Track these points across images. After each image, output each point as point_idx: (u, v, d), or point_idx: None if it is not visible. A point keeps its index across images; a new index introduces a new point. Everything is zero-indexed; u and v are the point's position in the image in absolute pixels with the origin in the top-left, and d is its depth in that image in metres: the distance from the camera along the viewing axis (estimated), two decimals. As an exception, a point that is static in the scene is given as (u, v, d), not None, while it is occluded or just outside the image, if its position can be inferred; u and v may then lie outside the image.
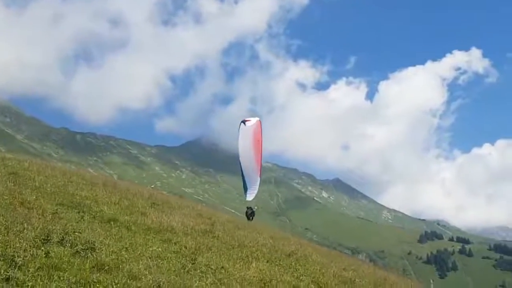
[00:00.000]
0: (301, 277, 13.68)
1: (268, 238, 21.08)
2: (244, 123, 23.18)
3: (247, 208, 26.26)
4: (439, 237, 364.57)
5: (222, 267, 11.90)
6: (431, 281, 33.86)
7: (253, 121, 22.98)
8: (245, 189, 23.19)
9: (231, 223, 23.08)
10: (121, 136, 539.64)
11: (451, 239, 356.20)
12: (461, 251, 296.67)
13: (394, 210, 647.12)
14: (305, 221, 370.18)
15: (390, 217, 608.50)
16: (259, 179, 23.08)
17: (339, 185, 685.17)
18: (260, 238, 19.75)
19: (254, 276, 11.77)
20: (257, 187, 22.89)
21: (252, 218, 27.18)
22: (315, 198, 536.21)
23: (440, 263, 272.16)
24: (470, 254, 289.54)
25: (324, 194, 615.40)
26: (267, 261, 14.80)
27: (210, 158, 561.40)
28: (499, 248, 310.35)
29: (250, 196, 23.11)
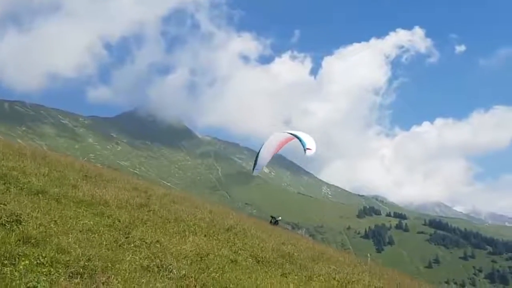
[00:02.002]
0: (239, 251, 13.86)
1: (206, 212, 21.13)
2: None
3: (271, 217, 27.75)
4: (377, 212, 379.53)
5: (157, 241, 11.84)
6: (368, 255, 35.17)
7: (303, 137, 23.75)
8: (255, 165, 24.17)
9: (168, 197, 22.91)
10: (51, 105, 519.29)
11: (388, 215, 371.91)
12: (398, 226, 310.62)
13: (334, 186, 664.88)
14: (245, 196, 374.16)
15: (330, 193, 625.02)
16: (268, 160, 24.39)
17: (280, 161, 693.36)
18: (198, 213, 19.75)
19: (190, 250, 11.80)
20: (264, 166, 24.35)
21: (275, 223, 28.69)
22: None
23: (378, 237, 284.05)
24: (406, 229, 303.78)
25: (265, 170, 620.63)
26: (205, 236, 14.86)
27: (147, 130, 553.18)
28: (434, 223, 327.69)
29: (256, 172, 24.12)
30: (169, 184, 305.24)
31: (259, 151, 24.92)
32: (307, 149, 22.49)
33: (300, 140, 23.10)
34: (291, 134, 24.39)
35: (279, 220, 29.11)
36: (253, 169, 24.98)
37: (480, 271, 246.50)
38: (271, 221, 28.71)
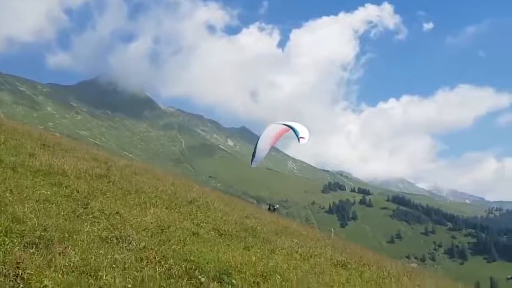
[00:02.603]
0: (201, 224, 13.90)
1: (168, 184, 21.07)
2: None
3: (269, 204, 28.00)
4: (342, 188, 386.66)
5: (117, 213, 11.76)
6: (332, 229, 36.01)
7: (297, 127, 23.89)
8: (253, 158, 24.32)
9: (129, 168, 22.71)
10: (8, 71, 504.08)
11: (353, 190, 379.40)
12: (362, 202, 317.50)
13: (300, 161, 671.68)
14: (209, 169, 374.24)
15: (295, 168, 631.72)
16: (267, 151, 24.63)
17: (245, 134, 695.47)
18: (160, 185, 19.69)
19: (151, 223, 11.77)
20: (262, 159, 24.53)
21: (274, 210, 28.85)
22: (220, 146, 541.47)
23: (342, 213, 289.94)
24: (369, 205, 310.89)
25: (230, 143, 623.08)
26: (166, 208, 14.84)
27: (108, 99, 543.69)
28: (397, 199, 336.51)
29: (254, 164, 25.07)
30: (130, 155, 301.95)
31: (257, 143, 25.50)
32: (301, 137, 23.03)
33: (294, 130, 23.64)
34: (286, 125, 24.85)
35: (277, 208, 29.73)
36: (252, 161, 25.39)
37: (440, 246, 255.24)
38: (269, 208, 29.24)
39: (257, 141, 25.60)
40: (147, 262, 8.58)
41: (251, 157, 26.61)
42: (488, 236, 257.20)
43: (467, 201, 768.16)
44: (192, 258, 9.37)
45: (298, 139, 23.27)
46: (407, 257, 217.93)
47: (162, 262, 8.73)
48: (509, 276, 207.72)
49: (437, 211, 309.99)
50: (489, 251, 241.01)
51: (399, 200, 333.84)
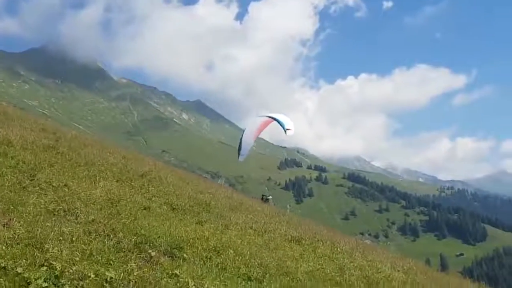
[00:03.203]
0: (153, 198, 13.82)
1: (120, 157, 20.78)
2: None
3: (262, 195, 28.06)
4: (298, 164, 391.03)
5: (65, 185, 11.55)
6: (288, 206, 36.48)
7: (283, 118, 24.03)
8: (239, 152, 24.29)
9: (78, 139, 22.24)
10: None
11: (309, 167, 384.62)
12: (318, 179, 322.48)
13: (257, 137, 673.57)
14: (162, 143, 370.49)
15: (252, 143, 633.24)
16: (252, 144, 24.83)
17: (200, 107, 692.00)
18: (111, 158, 19.39)
19: (100, 196, 11.62)
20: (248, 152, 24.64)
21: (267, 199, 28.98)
22: (174, 119, 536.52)
23: (298, 189, 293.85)
24: (325, 182, 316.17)
25: (185, 116, 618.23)
26: (117, 181, 14.66)
27: (57, 68, 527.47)
28: (352, 177, 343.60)
29: (241, 158, 25.20)
30: (80, 127, 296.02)
31: (242, 136, 25.63)
32: (287, 129, 23.50)
33: (279, 122, 24.06)
34: (270, 117, 25.10)
35: (270, 198, 29.94)
36: (238, 155, 25.62)
37: (393, 223, 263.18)
38: (262, 198, 29.46)
39: (242, 135, 25.90)
40: (95, 236, 8.49)
41: (237, 151, 26.88)
42: (440, 214, 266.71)
43: (420, 179, 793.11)
44: (142, 232, 9.33)
45: (285, 131, 23.72)
46: (361, 233, 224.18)
47: (111, 236, 8.66)
48: (458, 253, 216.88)
49: (391, 189, 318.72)
50: (440, 229, 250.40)
51: (354, 177, 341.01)
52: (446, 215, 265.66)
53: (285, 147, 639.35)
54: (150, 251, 8.34)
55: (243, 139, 25.62)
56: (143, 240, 8.95)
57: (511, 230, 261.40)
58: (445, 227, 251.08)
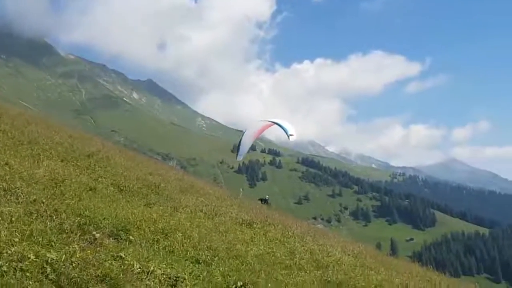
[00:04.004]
0: (99, 179, 13.61)
1: (66, 136, 20.34)
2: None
3: (260, 199, 28.13)
4: (252, 148, 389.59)
5: (6, 164, 11.21)
6: (241, 189, 36.59)
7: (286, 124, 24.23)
8: (238, 151, 24.32)
9: (22, 117, 21.62)
10: None
11: (263, 151, 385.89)
12: (272, 163, 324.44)
13: (210, 118, 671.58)
14: (112, 122, 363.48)
15: (204, 125, 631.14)
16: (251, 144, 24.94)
17: (152, 87, 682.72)
18: (56, 136, 18.95)
19: (44, 175, 11.34)
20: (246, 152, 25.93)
21: (266, 202, 29.69)
22: (124, 98, 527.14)
23: (251, 173, 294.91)
24: (279, 166, 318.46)
25: (135, 96, 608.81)
26: (62, 161, 14.35)
27: (2, 43, 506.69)
28: (306, 161, 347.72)
29: (240, 157, 25.91)
30: (25, 104, 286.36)
31: (241, 138, 25.97)
32: (290, 135, 23.94)
33: (282, 127, 24.52)
34: (272, 122, 25.48)
35: (268, 199, 30.25)
36: (236, 155, 25.97)
37: (345, 208, 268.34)
38: (261, 201, 29.54)
39: (242, 136, 26.39)
40: (36, 216, 8.31)
41: (236, 150, 27.41)
42: (391, 199, 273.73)
43: (373, 165, 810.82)
44: (87, 213, 9.18)
45: (288, 136, 24.29)
46: (314, 218, 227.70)
47: (54, 217, 8.48)
48: (408, 238, 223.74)
49: (345, 174, 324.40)
50: (391, 214, 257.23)
51: (308, 162, 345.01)
52: (397, 201, 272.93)
53: (239, 130, 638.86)
54: (94, 232, 8.22)
55: (242, 140, 26.22)
56: (87, 221, 8.81)
57: (459, 216, 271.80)
58: (396, 213, 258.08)
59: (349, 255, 15.53)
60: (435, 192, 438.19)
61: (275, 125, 25.50)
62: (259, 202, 30.41)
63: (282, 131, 24.88)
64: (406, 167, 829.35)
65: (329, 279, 11.19)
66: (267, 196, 31.79)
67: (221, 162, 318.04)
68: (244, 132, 27.42)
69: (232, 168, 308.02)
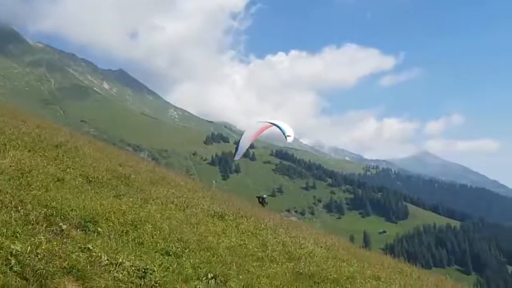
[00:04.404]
0: (67, 170, 13.41)
1: (33, 126, 20.02)
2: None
3: (257, 197, 28.29)
4: (225, 139, 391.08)
5: (-31, 154, 10.98)
6: (214, 181, 36.59)
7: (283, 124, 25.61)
8: (236, 151, 25.94)
9: (-14, 106, 21.19)
10: None
11: (236, 143, 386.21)
12: (245, 155, 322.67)
13: (182, 109, 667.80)
14: (81, 112, 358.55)
15: (177, 116, 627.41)
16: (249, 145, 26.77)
17: (123, 77, 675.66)
18: (23, 126, 18.65)
19: (10, 166, 11.13)
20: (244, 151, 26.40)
21: (266, 204, 30.02)
22: (95, 88, 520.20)
23: (224, 165, 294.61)
24: (253, 158, 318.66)
25: (106, 85, 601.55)
26: (29, 151, 14.11)
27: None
28: (280, 154, 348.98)
29: (238, 157, 26.37)
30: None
31: (240, 139, 26.48)
32: (288, 136, 24.42)
33: (280, 128, 25.12)
34: (270, 123, 26.00)
35: (265, 198, 30.26)
36: (234, 154, 26.54)
37: (319, 201, 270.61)
38: (258, 200, 29.60)
39: (241, 137, 26.85)
40: (1, 207, 8.16)
41: (234, 150, 27.97)
42: (364, 192, 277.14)
43: (347, 158, 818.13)
44: (54, 204, 9.05)
45: (286, 137, 24.80)
46: (288, 210, 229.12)
47: (19, 208, 8.34)
48: (381, 230, 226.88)
49: (319, 167, 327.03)
50: (364, 207, 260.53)
51: (282, 154, 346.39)
52: (370, 194, 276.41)
53: (212, 122, 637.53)
54: (61, 224, 8.12)
55: (241, 141, 26.77)
56: (54, 212, 8.69)
57: (431, 209, 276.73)
58: (369, 205, 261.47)
59: (321, 247, 15.66)
60: (407, 185, 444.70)
61: (273, 126, 26.02)
62: (257, 199, 30.60)
63: (275, 130, 25.43)
64: (379, 160, 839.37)
65: (301, 271, 11.27)
66: (265, 195, 31.81)
67: (193, 154, 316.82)
68: (243, 133, 28.02)
69: (205, 160, 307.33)
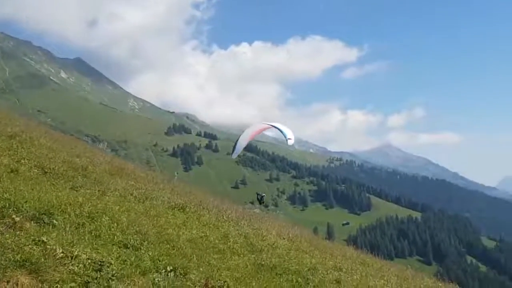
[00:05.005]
0: (22, 161, 13.14)
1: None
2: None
3: (257, 194, 29.06)
4: (187, 131, 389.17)
5: None
6: (176, 173, 36.36)
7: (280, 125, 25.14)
8: (234, 149, 25.43)
9: None
10: None
11: (199, 134, 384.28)
12: (208, 146, 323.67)
13: (142, 100, 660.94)
14: (38, 102, 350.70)
15: (137, 106, 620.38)
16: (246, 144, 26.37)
17: (81, 66, 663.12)
18: (-25, 116, 18.17)
19: (-40, 157, 10.85)
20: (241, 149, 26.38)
21: (262, 203, 31.39)
22: (51, 77, 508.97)
23: (186, 156, 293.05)
24: (216, 150, 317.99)
25: (63, 74, 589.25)
26: (-19, 142, 13.77)
27: None
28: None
29: (235, 155, 26.43)
30: None
31: (238, 139, 26.36)
32: (289, 139, 24.50)
33: (281, 131, 25.25)
34: (270, 125, 26.03)
35: (264, 196, 30.42)
36: (232, 152, 26.41)
37: (283, 193, 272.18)
38: (257, 197, 29.82)
39: (239, 136, 26.75)
40: (-49, 199, 7.95)
41: (231, 149, 28.02)
42: (328, 184, 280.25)
43: (311, 150, 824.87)
44: (6, 196, 8.86)
45: (286, 140, 25.06)
46: (251, 202, 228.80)
47: (-31, 200, 8.15)
48: (344, 222, 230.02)
49: (282, 159, 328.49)
50: (328, 198, 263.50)
51: (245, 146, 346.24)
52: (334, 185, 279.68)
53: (173, 112, 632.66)
54: (14, 216, 7.95)
55: (239, 139, 26.80)
56: (7, 204, 8.51)
57: (393, 201, 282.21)
58: (332, 197, 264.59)
59: (284, 239, 15.83)
60: (371, 177, 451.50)
61: (271, 127, 26.37)
62: (257, 196, 31.14)
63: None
64: (343, 152, 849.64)
65: (263, 262, 11.37)
66: (263, 194, 32.23)
67: (154, 145, 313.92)
68: (242, 133, 28.30)
69: (166, 151, 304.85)
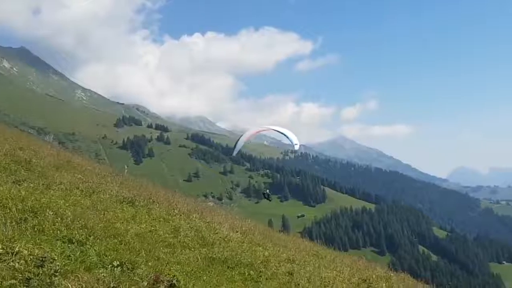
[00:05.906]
0: (-40, 154, 12.72)
1: None
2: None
3: (263, 193, 29.32)
4: (138, 123, 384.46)
5: None
6: (126, 166, 35.87)
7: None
8: (235, 147, 26.54)
9: None
10: None
11: (149, 126, 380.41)
12: (159, 139, 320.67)
13: (90, 91, 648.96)
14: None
15: (84, 98, 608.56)
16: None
17: (25, 55, 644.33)
18: None
19: None
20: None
21: (270, 200, 33.56)
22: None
23: (137, 149, 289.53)
24: (167, 142, 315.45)
25: (6, 64, 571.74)
26: None
27: None
28: (196, 137, 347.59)
29: (235, 152, 27.34)
30: None
31: (239, 138, 26.21)
32: (295, 144, 25.27)
33: (287, 137, 26.42)
34: (274, 129, 26.01)
35: (270, 194, 30.74)
36: (233, 150, 27.64)
37: (237, 185, 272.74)
38: (263, 193, 30.35)
39: (240, 136, 26.66)
40: None
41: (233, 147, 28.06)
42: (283, 176, 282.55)
43: (265, 142, 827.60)
44: None
45: (293, 146, 25.28)
46: (205, 195, 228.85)
47: None
48: (299, 214, 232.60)
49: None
50: (283, 191, 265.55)
51: (198, 138, 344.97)
52: (289, 178, 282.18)
53: (122, 104, 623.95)
54: None
55: (240, 138, 26.76)
56: None
57: (348, 192, 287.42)
58: (287, 189, 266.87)
59: (237, 232, 15.87)
60: (325, 169, 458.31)
61: (271, 130, 26.53)
62: (263, 195, 31.96)
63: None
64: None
65: (215, 256, 11.39)
66: (267, 190, 32.87)
67: (103, 137, 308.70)
68: (243, 133, 28.41)
69: (116, 143, 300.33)
